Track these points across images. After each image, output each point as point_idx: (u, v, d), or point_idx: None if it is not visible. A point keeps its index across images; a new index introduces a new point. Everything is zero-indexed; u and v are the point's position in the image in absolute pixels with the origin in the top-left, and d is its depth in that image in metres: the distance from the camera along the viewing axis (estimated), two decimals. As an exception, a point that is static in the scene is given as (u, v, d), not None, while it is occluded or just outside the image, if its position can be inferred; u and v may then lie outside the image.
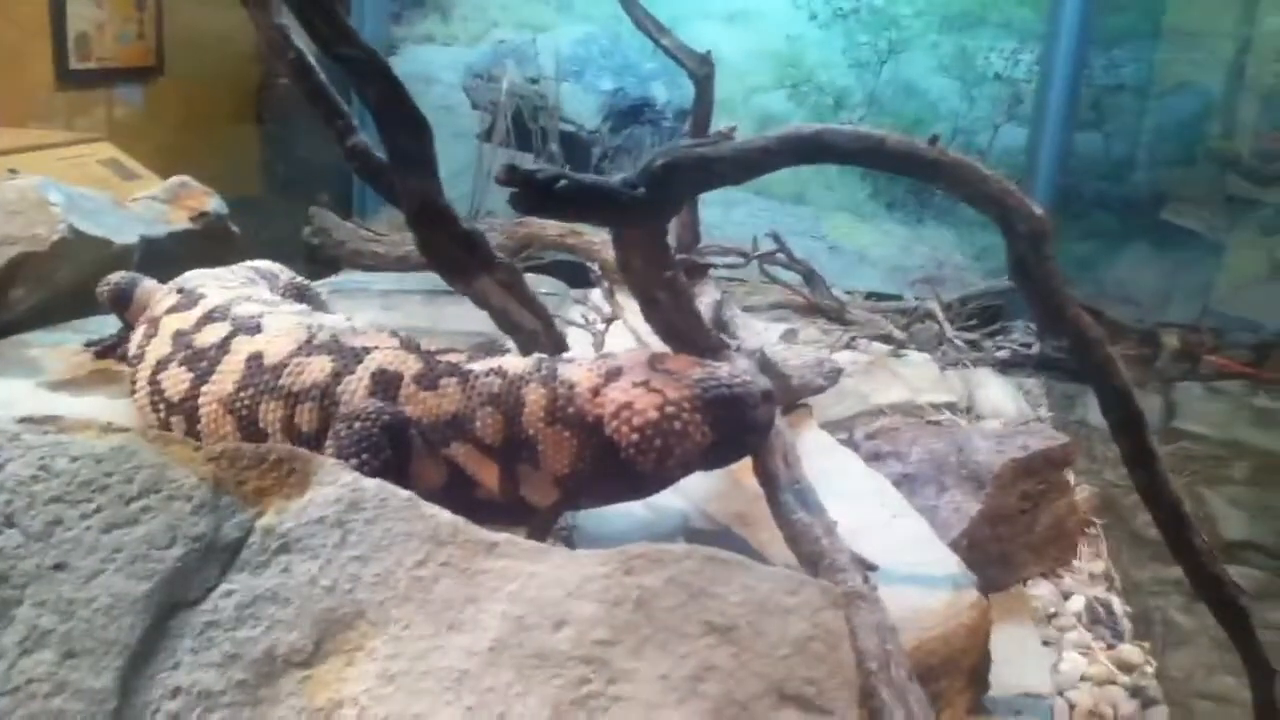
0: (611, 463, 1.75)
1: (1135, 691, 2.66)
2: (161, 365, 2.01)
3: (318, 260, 4.98)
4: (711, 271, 4.09)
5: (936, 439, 2.55)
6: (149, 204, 3.18)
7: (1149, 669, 2.78)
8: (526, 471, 1.79)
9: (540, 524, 1.87)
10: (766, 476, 1.88)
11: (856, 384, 4.15)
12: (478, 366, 1.84)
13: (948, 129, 5.54)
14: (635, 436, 1.72)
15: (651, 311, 1.95)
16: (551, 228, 5.14)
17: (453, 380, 1.82)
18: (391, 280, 4.27)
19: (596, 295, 4.37)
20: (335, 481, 1.44)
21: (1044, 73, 5.38)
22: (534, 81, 5.71)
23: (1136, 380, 5.08)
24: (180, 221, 3.17)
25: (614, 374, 1.79)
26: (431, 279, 4.26)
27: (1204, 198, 5.31)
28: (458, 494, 1.79)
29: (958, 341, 5.02)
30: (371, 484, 1.44)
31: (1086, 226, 5.46)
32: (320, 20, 1.70)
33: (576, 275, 4.72)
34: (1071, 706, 2.49)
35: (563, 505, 1.84)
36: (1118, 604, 3.13)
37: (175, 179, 3.31)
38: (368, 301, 3.90)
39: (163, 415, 1.98)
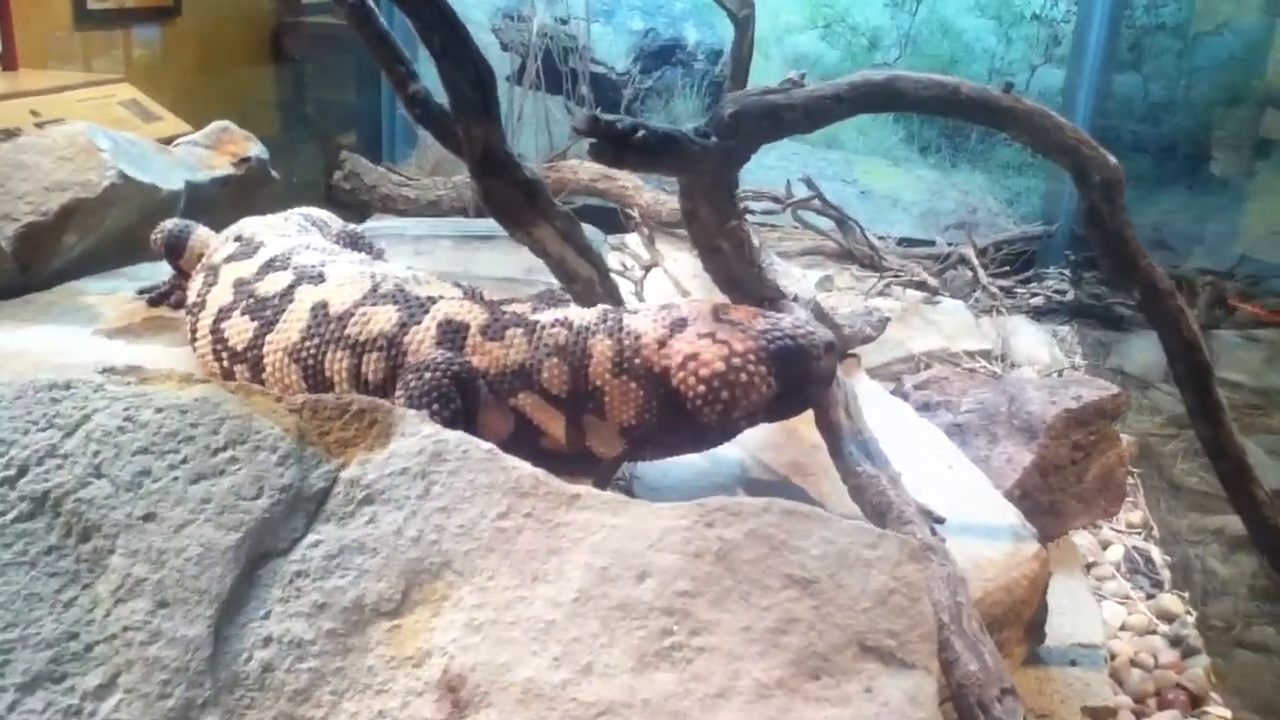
0: (677, 414, 1.76)
1: (1175, 641, 2.68)
2: (224, 314, 2.01)
3: (341, 204, 4.97)
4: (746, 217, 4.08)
5: (987, 389, 2.55)
6: (191, 149, 3.17)
7: (1189, 618, 2.80)
8: (592, 422, 1.80)
9: (603, 474, 1.88)
10: (829, 428, 1.89)
11: (893, 331, 4.13)
12: (543, 317, 1.85)
13: (983, 70, 5.46)
14: (701, 388, 1.73)
15: (712, 260, 1.95)
16: (584, 172, 5.12)
17: (519, 331, 1.82)
18: (422, 225, 4.26)
19: (633, 241, 4.35)
20: (417, 433, 1.45)
21: (1082, 12, 5.29)
22: (564, 22, 5.64)
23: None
24: (223, 167, 3.16)
25: (679, 325, 1.79)
26: (462, 224, 4.26)
27: (1238, 141, 5.25)
28: (524, 444, 1.80)
29: (991, 288, 4.99)
30: (453, 436, 1.45)
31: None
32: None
33: (608, 220, 4.71)
34: (1112, 656, 2.52)
35: (627, 456, 1.86)
36: (1156, 553, 3.15)
37: (217, 124, 3.29)
38: (400, 247, 3.90)
39: (225, 364, 2.00)
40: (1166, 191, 5.36)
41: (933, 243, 5.47)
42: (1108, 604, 2.79)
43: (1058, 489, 2.42)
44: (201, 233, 2.42)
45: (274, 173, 3.34)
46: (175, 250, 2.41)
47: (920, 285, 4.83)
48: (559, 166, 5.13)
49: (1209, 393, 1.81)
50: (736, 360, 1.73)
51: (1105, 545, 3.13)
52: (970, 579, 1.72)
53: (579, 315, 1.85)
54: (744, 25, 3.66)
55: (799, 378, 1.79)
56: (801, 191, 4.99)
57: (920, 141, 5.62)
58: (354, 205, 4.98)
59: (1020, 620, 1.85)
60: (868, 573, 1.38)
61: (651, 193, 4.80)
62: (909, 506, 1.69)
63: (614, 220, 4.71)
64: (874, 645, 1.34)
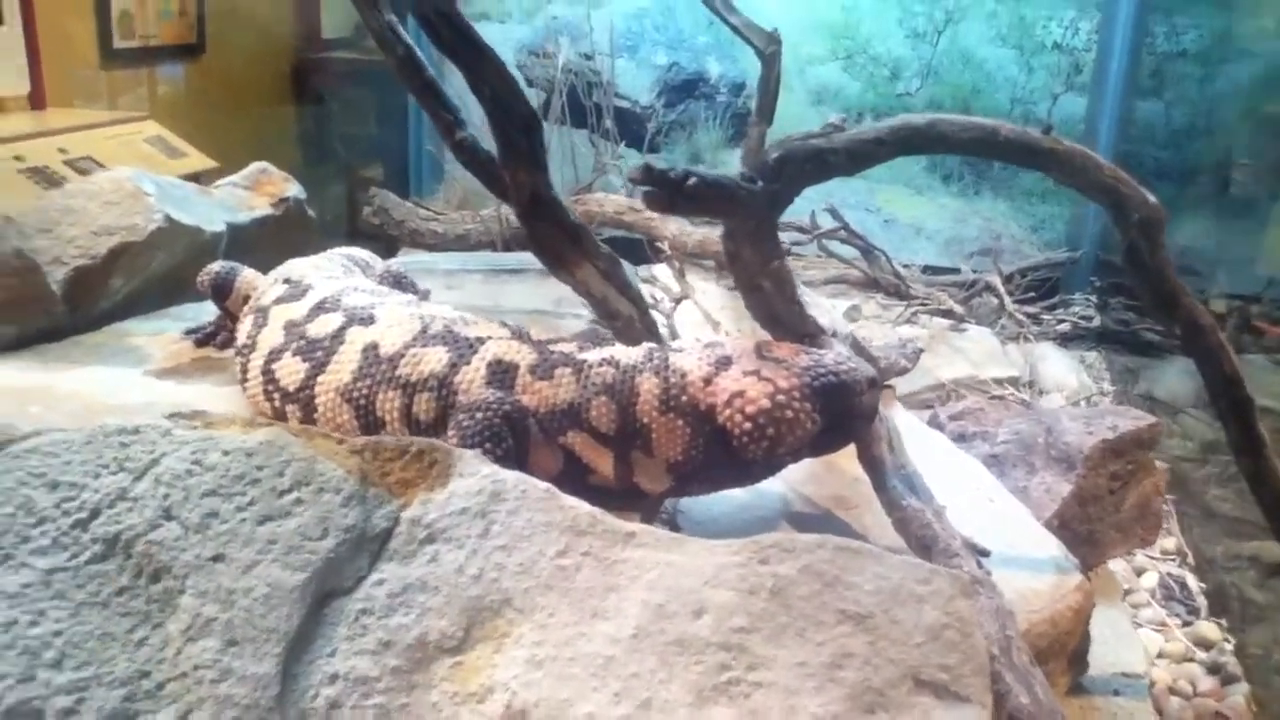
0: (723, 450, 1.79)
1: (1214, 668, 2.68)
2: (275, 355, 2.06)
3: (367, 237, 5.04)
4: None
5: (1023, 419, 2.57)
6: (231, 190, 3.23)
7: (1227, 645, 2.80)
8: (640, 459, 1.83)
9: (649, 509, 1.91)
10: (872, 462, 1.91)
11: (921, 360, 4.17)
12: (591, 356, 1.88)
13: (1005, 99, 5.51)
14: (748, 425, 1.76)
15: (754, 299, 1.98)
16: (609, 204, 5.17)
17: (567, 370, 1.86)
18: (452, 260, 4.31)
19: (662, 273, 4.39)
20: (476, 473, 1.49)
21: (1103, 40, 5.33)
22: (588, 58, 5.72)
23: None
24: (262, 208, 3.21)
25: (724, 363, 1.82)
26: (492, 258, 4.31)
27: (1262, 166, 5.26)
28: (573, 481, 1.83)
29: (1018, 315, 5.01)
30: (511, 475, 1.49)
31: (1163, 209, 5.41)
32: (438, 19, 1.73)
33: (634, 252, 4.75)
34: (1151, 684, 2.52)
35: (674, 492, 1.89)
36: (1191, 580, 3.16)
37: (255, 165, 3.35)
38: (430, 281, 3.94)
39: (277, 404, 2.04)
40: (1191, 217, 5.37)
41: (957, 270, 5.50)
42: (1144, 631, 2.79)
43: (1096, 519, 2.44)
44: (248, 274, 2.47)
45: (311, 212, 3.40)
46: (222, 292, 2.46)
47: (946, 313, 4.86)
48: (585, 200, 5.18)
49: (1252, 427, 1.83)
50: (781, 397, 1.76)
51: (1140, 572, 3.13)
52: (1016, 611, 1.74)
53: (625, 354, 1.88)
54: (770, 61, 3.72)
55: (843, 413, 1.82)
56: (826, 221, 5.03)
57: (943, 170, 5.65)
58: (381, 239, 5.05)
59: (1065, 651, 1.87)
60: (920, 608, 1.41)
61: (677, 224, 4.85)
62: (955, 540, 1.71)
63: (640, 252, 4.76)
64: (928, 679, 1.36)
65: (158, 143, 4.10)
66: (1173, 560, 3.30)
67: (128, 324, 2.71)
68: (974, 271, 5.38)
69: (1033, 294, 5.28)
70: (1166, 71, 5.34)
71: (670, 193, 1.48)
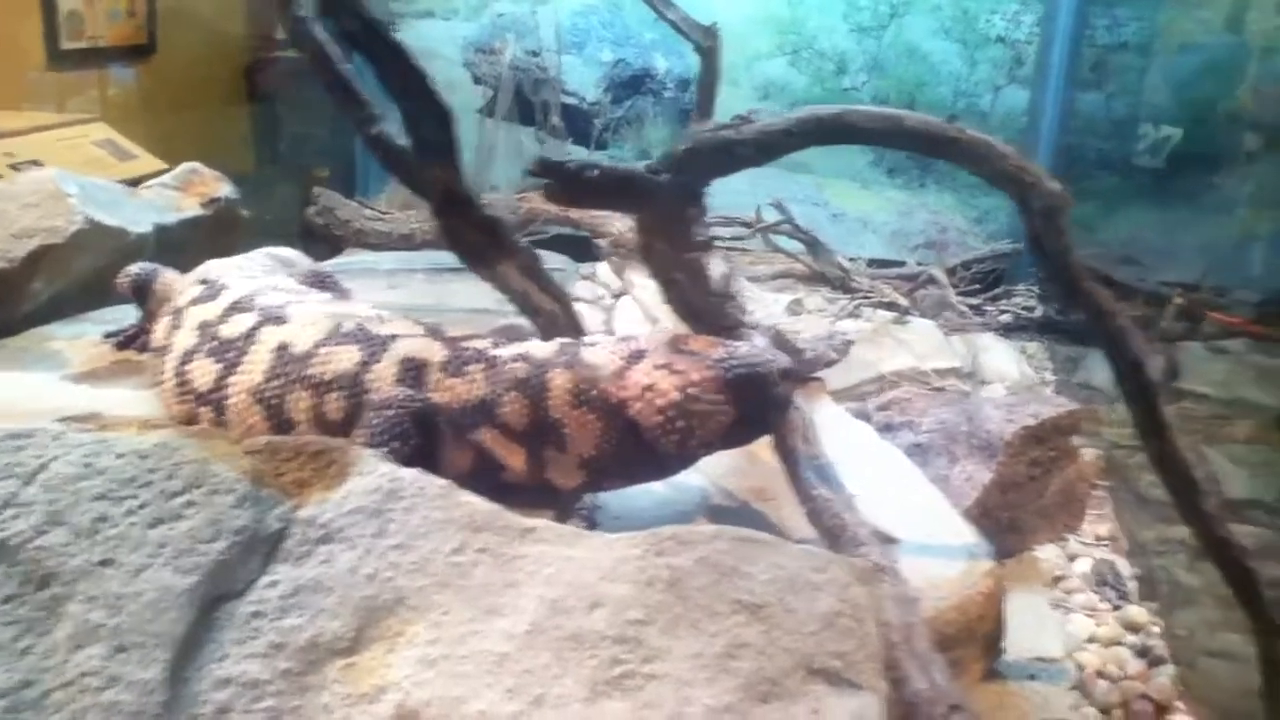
0: (636, 444, 1.78)
1: (1142, 651, 2.71)
2: (188, 356, 2.04)
3: (317, 238, 5.01)
4: (715, 243, 4.13)
5: (948, 409, 2.59)
6: (160, 191, 3.19)
7: (1155, 629, 2.84)
8: (552, 455, 1.83)
9: (565, 505, 1.91)
10: (786, 453, 1.92)
11: (862, 352, 4.19)
12: (503, 352, 1.88)
13: (949, 92, 5.55)
14: (659, 418, 1.76)
15: (670, 292, 1.98)
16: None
17: (478, 366, 1.85)
18: (395, 259, 4.29)
19: (603, 270, 4.40)
20: (373, 471, 1.48)
21: (1045, 33, 5.38)
22: (534, 54, 5.71)
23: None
24: (192, 208, 3.18)
25: (636, 356, 1.82)
26: (435, 257, 4.30)
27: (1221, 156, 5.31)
28: (485, 478, 1.83)
29: (961, 307, 5.05)
30: (408, 473, 1.48)
31: (1089, 187, 5.47)
32: (344, 11, 1.72)
33: (580, 249, 4.75)
34: (1080, 668, 2.55)
35: (588, 487, 1.88)
36: (1123, 565, 3.19)
37: (186, 165, 3.32)
38: (373, 281, 3.93)
39: (191, 406, 2.02)
40: (1133, 207, 5.43)
41: (903, 263, 5.54)
42: (1076, 616, 2.82)
43: (1018, 506, 2.46)
44: (168, 275, 2.44)
45: (244, 212, 3.37)
46: (142, 293, 2.43)
47: (890, 305, 4.90)
48: (530, 197, 5.18)
49: (1156, 411, 1.85)
50: (693, 390, 1.76)
51: (1073, 558, 3.16)
52: (925, 598, 1.75)
53: (538, 349, 1.88)
54: (709, 56, 3.72)
55: (756, 405, 1.83)
56: (772, 216, 5.06)
57: (888, 163, 5.68)
58: (329, 240, 5.02)
59: (976, 637, 1.88)
60: (815, 596, 1.42)
61: (621, 221, 4.86)
62: (863, 528, 1.72)
63: (586, 249, 4.76)
64: (821, 667, 1.37)
65: (107, 145, 4.05)
66: (1106, 546, 3.33)
67: (50, 328, 2.67)
68: (919, 264, 5.42)
69: (977, 286, 5.33)
70: (1107, 63, 5.39)
71: (569, 185, 1.48)
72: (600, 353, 1.85)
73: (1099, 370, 4.69)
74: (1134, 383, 1.81)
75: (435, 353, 1.88)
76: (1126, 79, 5.39)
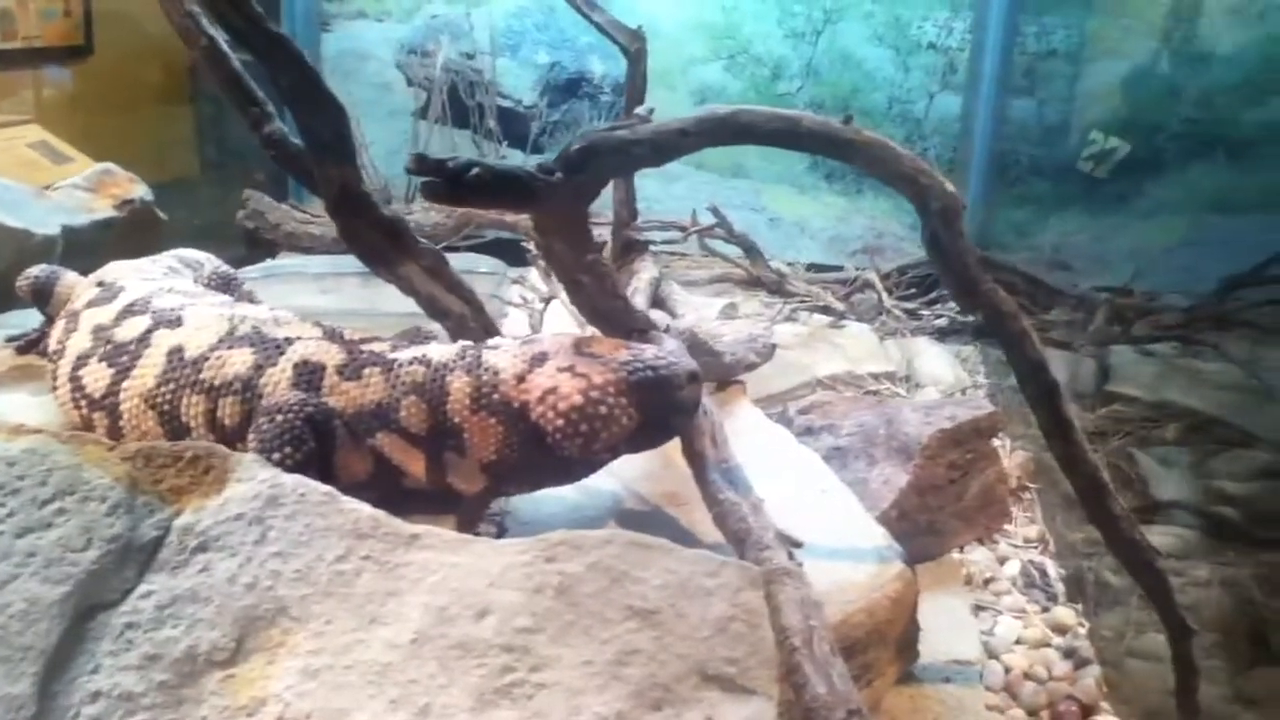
0: (538, 448, 1.75)
1: (1069, 653, 2.72)
2: (82, 360, 1.97)
3: (257, 244, 4.92)
4: (651, 247, 4.10)
5: (868, 412, 2.58)
6: (70, 192, 3.12)
7: (1082, 630, 2.85)
8: (453, 459, 1.79)
9: (470, 511, 1.87)
10: (694, 456, 1.90)
11: (797, 356, 4.19)
12: (402, 355, 1.84)
13: (884, 98, 5.57)
14: (560, 421, 1.73)
15: (576, 294, 1.96)
16: (491, 205, 5.13)
17: (376, 370, 1.81)
18: (328, 263, 4.22)
19: (534, 274, 4.35)
20: (253, 478, 1.44)
21: (976, 40, 5.41)
22: (469, 57, 5.65)
23: (1071, 345, 5.16)
24: (104, 210, 3.11)
25: (539, 359, 1.79)
26: (369, 260, 4.23)
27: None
28: (385, 483, 1.79)
29: (896, 311, 5.07)
30: (290, 479, 1.43)
31: (1021, 192, 5.53)
32: (228, 7, 1.67)
33: (517, 253, 4.71)
34: (1008, 670, 2.55)
35: (491, 492, 1.85)
36: (1052, 567, 3.20)
37: (98, 166, 3.25)
38: (303, 285, 3.86)
39: (84, 412, 1.95)
40: (1065, 213, 5.49)
41: (841, 268, 5.55)
42: (1004, 618, 2.82)
43: (936, 508, 2.46)
44: (70, 278, 2.37)
45: (161, 214, 3.30)
46: (43, 296, 2.36)
47: (825, 310, 4.90)
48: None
49: (1059, 411, 1.84)
50: (595, 393, 1.73)
51: (1003, 561, 3.17)
52: (832, 601, 1.73)
53: (438, 352, 1.84)
54: (636, 59, 3.69)
55: (661, 408, 1.80)
56: (708, 220, 5.05)
57: (825, 168, 5.69)
58: (264, 245, 4.94)
59: (887, 640, 1.87)
60: (708, 601, 1.39)
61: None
62: (767, 532, 1.70)
63: (522, 253, 4.72)
64: (715, 673, 1.35)
65: (41, 147, 3.94)
66: (1035, 548, 3.34)
67: (-50, 332, 2.59)
68: (856, 269, 5.44)
69: (913, 290, 5.34)
70: (1038, 70, 5.45)
71: (450, 184, 1.44)
72: (502, 355, 1.81)
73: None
74: (1036, 385, 1.81)
75: (332, 356, 1.84)
76: (1057, 86, 5.45)
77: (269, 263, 4.51)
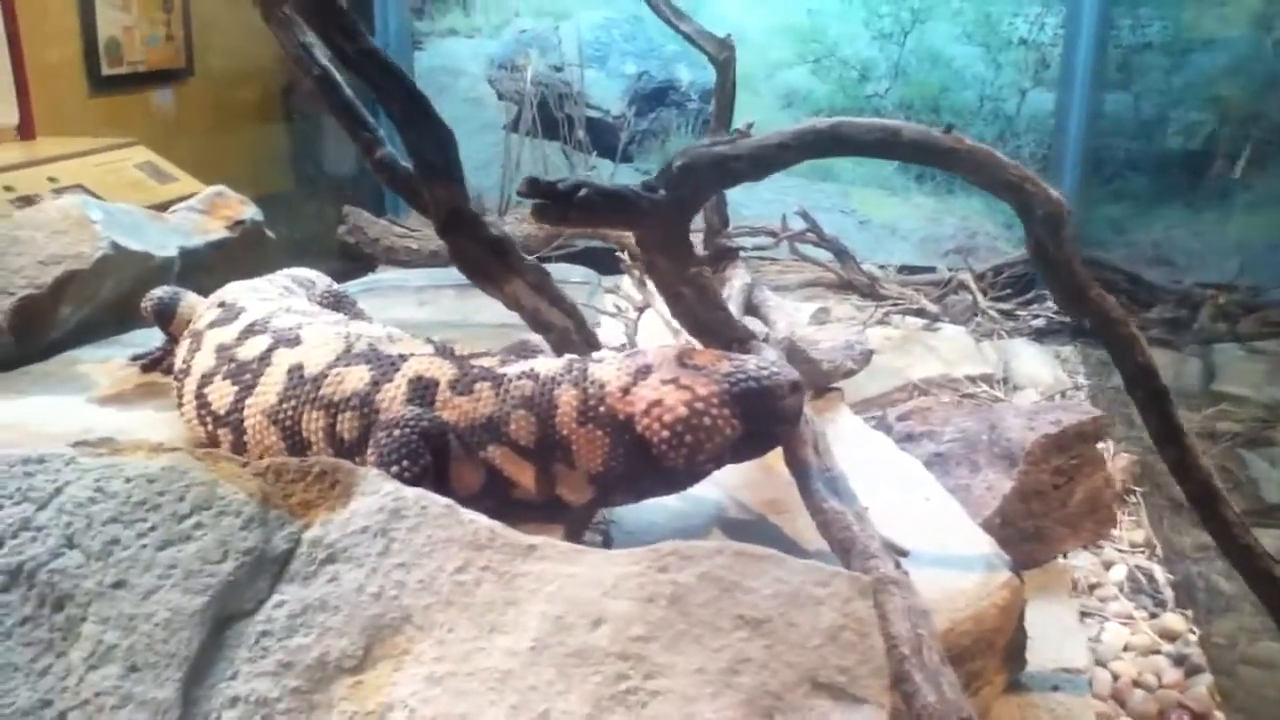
0: (644, 460, 1.79)
1: (1179, 660, 2.67)
2: (207, 379, 2.07)
3: (352, 257, 5.06)
4: (742, 253, 4.12)
5: (969, 418, 2.57)
6: (186, 215, 3.25)
7: (1192, 637, 2.79)
8: (562, 471, 1.84)
9: (576, 521, 1.92)
10: (798, 465, 1.91)
11: (891, 360, 4.17)
12: (511, 370, 1.89)
13: (974, 96, 5.51)
14: (666, 433, 1.76)
15: (677, 307, 1.99)
16: (581, 215, 5.20)
17: (486, 384, 1.86)
18: (426, 276, 4.32)
19: (627, 283, 4.40)
20: (377, 491, 1.50)
21: (1069, 35, 5.33)
22: (558, 69, 5.74)
23: (1175, 343, 5.04)
24: (217, 231, 3.23)
25: (643, 371, 1.83)
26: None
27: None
28: (496, 495, 1.85)
29: (992, 312, 5.01)
30: (411, 493, 1.49)
31: (1118, 188, 5.42)
32: (341, 37, 1.74)
33: (607, 262, 4.76)
34: (1115, 677, 2.51)
35: (598, 502, 1.89)
36: (1159, 572, 3.14)
37: (211, 189, 3.37)
38: (403, 298, 3.96)
39: (210, 428, 2.05)
40: (1165, 208, 5.37)
41: (933, 269, 5.50)
42: (1111, 625, 2.78)
43: (1041, 515, 2.44)
44: (190, 299, 2.48)
45: (270, 233, 3.42)
46: (165, 317, 2.48)
47: (920, 312, 4.86)
48: (557, 211, 5.20)
49: (1170, 417, 1.82)
50: (699, 405, 1.77)
51: (1109, 566, 3.12)
52: (940, 610, 1.74)
53: (545, 366, 1.89)
54: (724, 67, 3.71)
55: (764, 418, 1.83)
56: (798, 225, 5.05)
57: (915, 170, 5.65)
58: (361, 258, 5.08)
59: (995, 648, 1.86)
60: (818, 610, 1.41)
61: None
62: (873, 541, 1.71)
63: (615, 262, 4.78)
64: (825, 682, 1.36)
65: (147, 168, 4.12)
66: (1141, 553, 3.28)
67: (78, 352, 2.73)
68: (950, 270, 5.38)
69: (1008, 291, 5.28)
70: (1133, 63, 5.34)
71: (561, 205, 1.49)
72: (607, 368, 1.85)
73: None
74: (1145, 390, 1.79)
75: (444, 371, 1.90)
76: (1153, 78, 5.33)
77: (369, 277, 4.64)
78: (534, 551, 1.46)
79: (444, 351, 1.97)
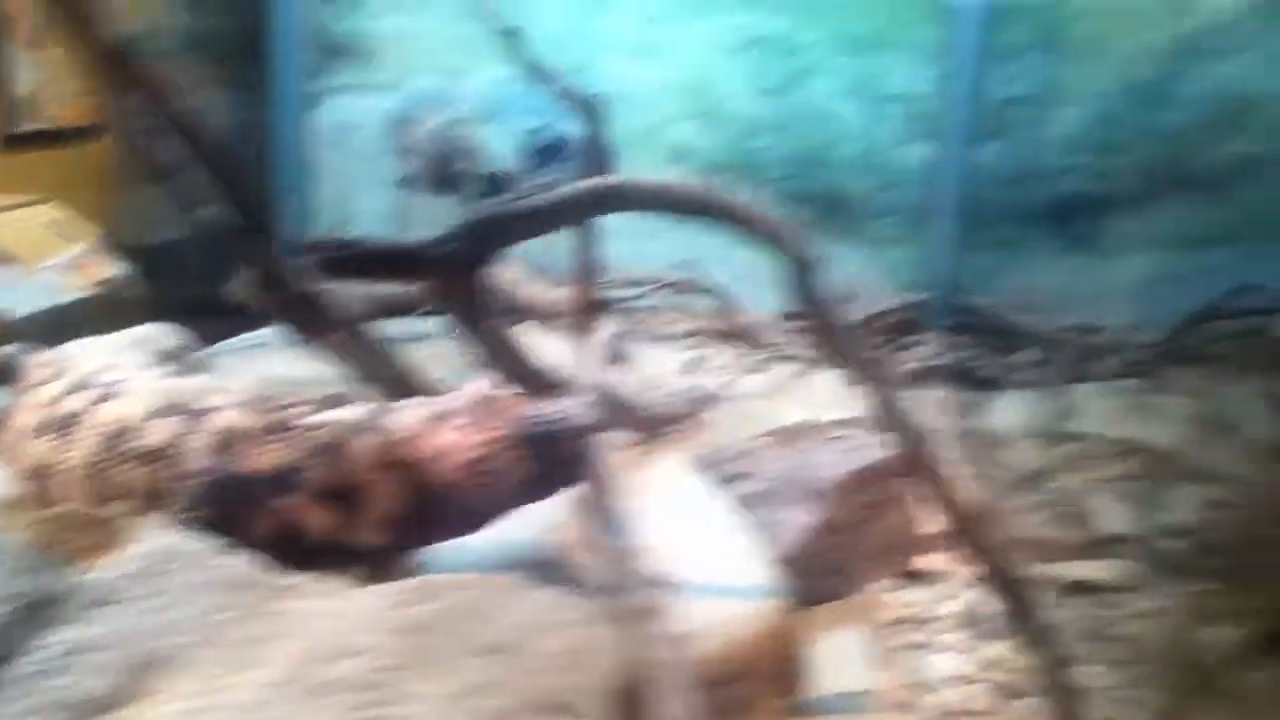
0: (437, 503, 1.90)
1: (1002, 688, 2.81)
2: (27, 434, 2.15)
3: (241, 314, 5.09)
4: (627, 303, 4.27)
5: (788, 456, 2.71)
6: (54, 272, 3.32)
7: (1016, 664, 2.93)
8: (356, 516, 1.94)
9: (378, 565, 2.01)
10: (586, 504, 2.04)
11: (762, 406, 4.32)
12: (314, 419, 2.00)
13: (857, 149, 5.74)
14: (455, 476, 1.88)
15: (486, 355, 2.11)
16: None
17: (288, 434, 1.97)
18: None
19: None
20: (150, 538, 1.60)
21: (945, 89, 5.58)
22: (455, 125, 5.88)
23: (1037, 384, 5.22)
24: (82, 289, 3.31)
25: (440, 417, 1.94)
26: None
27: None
28: (292, 542, 1.94)
29: (868, 357, 5.17)
30: (179, 537, 1.59)
31: (992, 236, 5.66)
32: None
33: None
34: (943, 708, 2.65)
35: (396, 546, 1.99)
36: (989, 603, 3.29)
37: (78, 247, 3.45)
38: (276, 354, 4.01)
39: (32, 482, 2.12)
40: (1035, 254, 5.61)
41: (821, 315, 5.67)
42: (940, 656, 2.92)
43: (847, 548, 2.57)
44: (36, 356, 2.55)
45: (137, 289, 3.50)
46: (7, 376, 2.54)
47: (797, 358, 5.03)
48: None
49: (924, 455, 1.97)
50: (487, 448, 1.89)
51: (940, 598, 3.26)
52: (704, 637, 1.86)
53: (346, 414, 2.00)
54: (595, 124, 3.86)
55: (554, 460, 1.95)
56: (681, 274, 5.22)
57: (808, 222, 5.81)
58: (248, 314, 5.11)
59: (761, 674, 1.98)
60: (557, 636, 1.53)
61: (537, 285, 5.01)
62: (639, 573, 1.83)
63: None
64: (555, 703, 1.48)
65: (55, 225, 4.14)
66: (975, 585, 3.44)
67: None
68: (833, 317, 5.56)
69: (887, 336, 5.47)
70: (1006, 116, 5.60)
71: (335, 260, 1.61)
72: (405, 415, 1.97)
73: (994, 414, 4.86)
74: (899, 431, 1.94)
75: (249, 421, 2.00)
76: (1025, 130, 5.60)
77: (251, 334, 4.68)
78: (291, 590, 1.56)
79: (256, 402, 2.07)
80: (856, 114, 5.70)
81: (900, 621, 2.91)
